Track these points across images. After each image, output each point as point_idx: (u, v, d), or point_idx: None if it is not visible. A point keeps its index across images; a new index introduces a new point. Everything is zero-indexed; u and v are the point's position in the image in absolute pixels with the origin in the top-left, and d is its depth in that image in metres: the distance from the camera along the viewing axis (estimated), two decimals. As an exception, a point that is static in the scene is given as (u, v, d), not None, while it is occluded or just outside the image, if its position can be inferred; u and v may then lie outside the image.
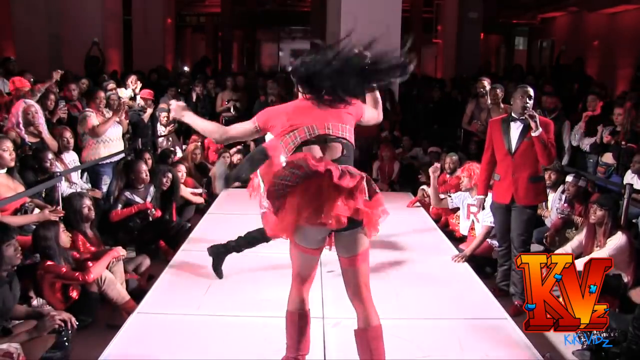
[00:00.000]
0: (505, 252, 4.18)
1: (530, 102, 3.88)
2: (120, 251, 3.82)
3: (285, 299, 3.47)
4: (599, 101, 6.09)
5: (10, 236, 2.98)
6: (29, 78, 6.13)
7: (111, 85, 6.62)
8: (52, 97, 5.60)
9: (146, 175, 4.96)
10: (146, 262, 4.31)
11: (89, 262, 3.66)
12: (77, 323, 3.08)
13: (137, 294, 3.82)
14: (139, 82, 7.20)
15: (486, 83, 6.62)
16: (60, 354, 2.92)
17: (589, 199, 4.69)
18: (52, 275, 3.45)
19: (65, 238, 3.72)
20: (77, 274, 3.49)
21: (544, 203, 5.05)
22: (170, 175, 5.31)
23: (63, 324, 2.93)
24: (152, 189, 5.01)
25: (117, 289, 3.65)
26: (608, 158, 5.42)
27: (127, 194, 4.84)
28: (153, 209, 4.87)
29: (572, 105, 7.31)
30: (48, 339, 2.91)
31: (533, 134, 3.77)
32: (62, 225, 3.74)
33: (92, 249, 4.00)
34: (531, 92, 3.90)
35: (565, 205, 4.84)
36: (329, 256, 4.16)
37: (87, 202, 4.12)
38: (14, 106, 4.79)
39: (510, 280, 4.12)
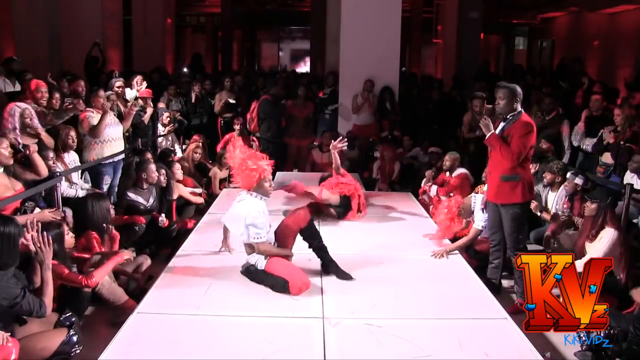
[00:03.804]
0: (495, 249, 4.24)
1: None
2: (125, 255, 3.81)
3: (284, 298, 3.49)
4: (602, 102, 6.10)
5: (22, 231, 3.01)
6: (29, 78, 6.12)
7: (119, 83, 6.55)
8: (57, 95, 5.59)
9: (155, 176, 5.02)
10: (147, 262, 4.32)
11: (89, 265, 3.67)
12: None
13: (137, 294, 3.83)
14: (144, 82, 7.16)
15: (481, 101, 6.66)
16: (76, 347, 2.98)
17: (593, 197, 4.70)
18: (53, 275, 3.43)
19: (69, 240, 3.72)
20: (80, 277, 3.46)
21: (545, 204, 5.05)
22: (164, 172, 5.31)
23: None
24: (154, 190, 5.02)
25: (112, 289, 3.63)
26: (607, 158, 5.43)
27: (131, 194, 4.83)
28: (163, 217, 4.85)
29: (573, 105, 7.31)
30: (59, 333, 2.95)
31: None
32: (66, 227, 3.74)
33: (103, 249, 4.01)
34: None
35: (566, 200, 4.85)
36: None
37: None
38: (5, 110, 4.71)
39: (498, 276, 4.25)
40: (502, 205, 4.04)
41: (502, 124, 3.98)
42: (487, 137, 3.97)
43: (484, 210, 4.34)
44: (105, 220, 4.10)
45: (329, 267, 3.79)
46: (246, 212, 3.55)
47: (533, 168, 5.08)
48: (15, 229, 2.87)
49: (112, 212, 4.16)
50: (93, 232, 4.03)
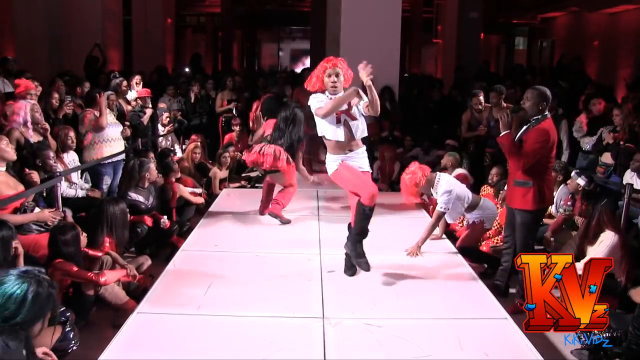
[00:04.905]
0: (506, 252, 4.22)
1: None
2: (135, 272, 3.81)
3: (284, 298, 3.49)
4: (603, 103, 6.10)
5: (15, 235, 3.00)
6: (29, 78, 6.12)
7: (125, 82, 6.46)
8: (57, 95, 5.59)
9: (157, 175, 5.05)
10: (147, 262, 4.31)
11: (99, 265, 3.67)
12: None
13: (138, 294, 3.82)
14: (141, 82, 7.14)
15: (482, 98, 6.63)
16: (73, 343, 2.94)
17: (591, 199, 4.70)
18: (61, 273, 3.41)
19: (83, 239, 3.72)
20: (90, 274, 3.46)
21: (551, 207, 5.03)
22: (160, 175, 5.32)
23: None
24: (153, 188, 5.03)
25: (115, 292, 3.63)
26: (607, 158, 5.43)
27: (132, 194, 4.84)
28: (165, 219, 4.86)
29: (574, 105, 7.31)
30: (55, 330, 2.91)
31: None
32: (78, 227, 3.74)
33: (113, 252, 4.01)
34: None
35: (569, 197, 4.84)
36: (329, 256, 4.18)
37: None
38: (16, 106, 4.78)
39: (505, 280, 4.21)
40: (515, 209, 4.03)
41: (525, 126, 3.94)
42: (500, 135, 3.91)
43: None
44: (124, 223, 4.09)
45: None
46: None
47: None
48: (8, 232, 2.87)
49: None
50: (111, 235, 4.01)
